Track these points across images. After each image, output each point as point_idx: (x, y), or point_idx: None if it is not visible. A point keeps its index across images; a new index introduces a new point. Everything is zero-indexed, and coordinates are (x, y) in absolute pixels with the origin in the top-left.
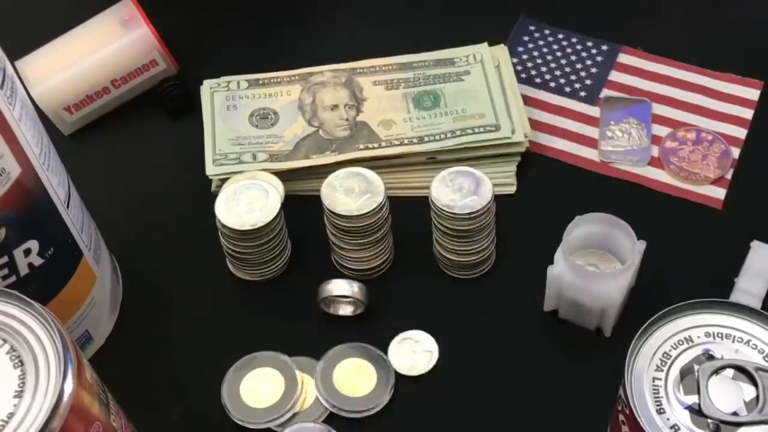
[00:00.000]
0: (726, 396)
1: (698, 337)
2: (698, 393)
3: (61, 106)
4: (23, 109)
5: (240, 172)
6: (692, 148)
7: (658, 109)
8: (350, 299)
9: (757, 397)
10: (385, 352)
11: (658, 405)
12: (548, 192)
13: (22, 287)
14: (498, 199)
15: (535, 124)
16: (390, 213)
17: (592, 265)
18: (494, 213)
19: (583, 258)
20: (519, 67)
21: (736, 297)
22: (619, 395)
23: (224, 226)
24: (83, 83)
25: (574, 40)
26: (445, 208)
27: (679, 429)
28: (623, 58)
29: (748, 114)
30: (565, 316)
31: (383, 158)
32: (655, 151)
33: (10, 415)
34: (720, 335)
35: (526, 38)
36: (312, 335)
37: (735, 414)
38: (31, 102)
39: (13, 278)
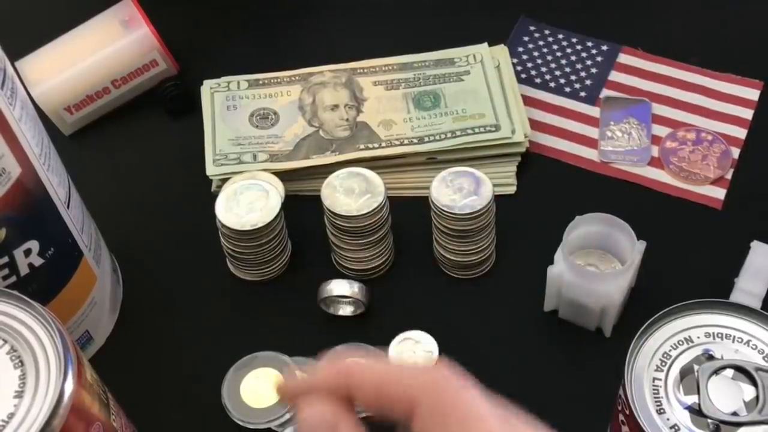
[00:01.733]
0: (726, 396)
1: (698, 337)
2: (698, 393)
3: (61, 106)
4: (23, 109)
5: (240, 172)
6: (692, 148)
7: (658, 109)
8: (350, 299)
9: (757, 397)
10: (386, 352)
11: (658, 405)
12: (548, 192)
13: (22, 287)
14: (498, 199)
15: (535, 124)
16: (390, 213)
17: (592, 265)
18: (494, 213)
19: (583, 258)
20: (519, 67)
21: (736, 297)
22: (619, 395)
23: (224, 226)
24: (83, 83)
25: (574, 40)
26: (445, 208)
27: (679, 429)
28: (623, 58)
29: (748, 114)
30: (565, 316)
31: (383, 158)
32: (655, 151)
33: (11, 416)
34: (720, 335)
35: (526, 38)
36: (312, 335)
37: (735, 414)
38: (31, 102)
39: (13, 278)
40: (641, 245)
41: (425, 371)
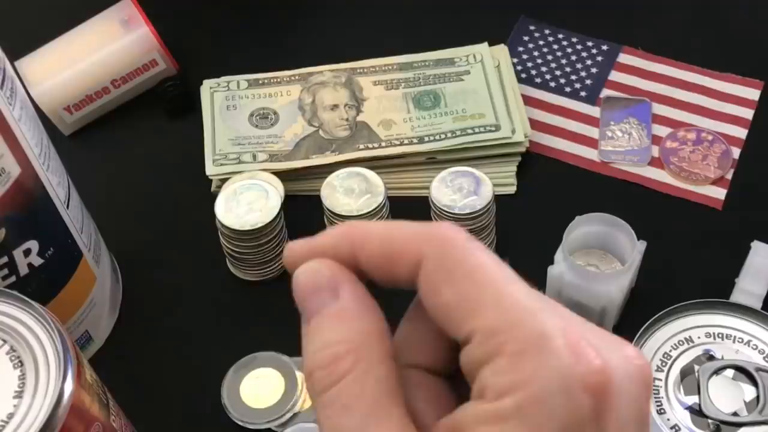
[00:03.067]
0: (726, 396)
1: (698, 337)
2: (698, 393)
3: (61, 106)
4: (23, 109)
5: (240, 172)
6: (692, 148)
7: (658, 109)
8: None
9: (758, 397)
10: None
11: (658, 405)
12: (548, 192)
13: (22, 287)
14: (498, 199)
15: (535, 124)
16: (390, 213)
17: (592, 265)
18: (494, 213)
19: (583, 258)
20: (519, 67)
21: (736, 297)
22: None
23: (224, 226)
24: (83, 83)
25: (574, 40)
26: (445, 208)
27: (679, 429)
28: (623, 58)
29: (748, 114)
30: None
31: (383, 158)
32: (655, 151)
33: (10, 416)
34: (720, 336)
35: (526, 38)
36: None
37: (735, 414)
38: (31, 102)
39: (13, 278)
40: (641, 245)
41: (432, 225)
